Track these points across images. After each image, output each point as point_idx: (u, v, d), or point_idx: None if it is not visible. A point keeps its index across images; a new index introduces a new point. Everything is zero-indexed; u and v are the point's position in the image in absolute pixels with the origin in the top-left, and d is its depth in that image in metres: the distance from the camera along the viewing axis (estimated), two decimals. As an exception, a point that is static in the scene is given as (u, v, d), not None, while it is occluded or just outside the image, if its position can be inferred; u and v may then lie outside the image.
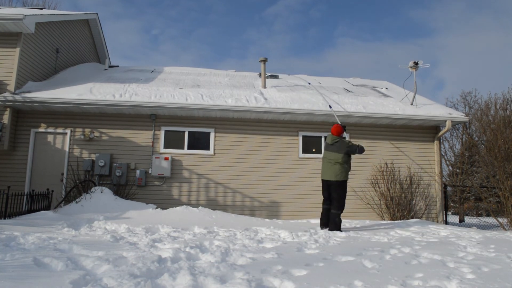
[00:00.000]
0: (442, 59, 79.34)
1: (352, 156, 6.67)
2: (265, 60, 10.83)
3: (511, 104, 17.96)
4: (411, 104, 9.99)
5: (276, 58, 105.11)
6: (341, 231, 6.16)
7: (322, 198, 6.66)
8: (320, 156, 9.65)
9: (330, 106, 9.09)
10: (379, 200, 9.25)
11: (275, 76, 12.68)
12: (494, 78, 48.58)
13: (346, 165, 6.36)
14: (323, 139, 9.75)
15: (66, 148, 9.16)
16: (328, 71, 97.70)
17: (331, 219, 6.26)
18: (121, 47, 71.31)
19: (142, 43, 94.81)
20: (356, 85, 12.29)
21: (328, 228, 6.28)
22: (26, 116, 9.17)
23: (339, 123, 7.63)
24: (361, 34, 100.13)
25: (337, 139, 6.46)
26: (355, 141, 9.75)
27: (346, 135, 9.81)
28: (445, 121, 9.41)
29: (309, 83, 9.07)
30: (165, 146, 9.40)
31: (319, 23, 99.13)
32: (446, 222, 10.25)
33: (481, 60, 63.23)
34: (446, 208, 10.63)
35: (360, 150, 6.46)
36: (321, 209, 9.85)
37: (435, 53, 79.93)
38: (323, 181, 6.55)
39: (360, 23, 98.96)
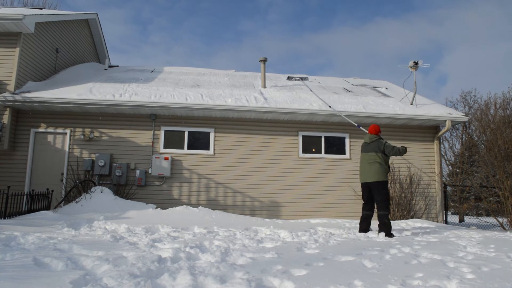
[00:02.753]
0: (445, 52, 77.72)
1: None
2: (265, 60, 10.86)
3: (511, 103, 17.96)
4: (411, 104, 10.00)
5: (271, 50, 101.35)
6: (392, 234, 5.70)
7: (362, 202, 6.26)
8: (320, 156, 9.66)
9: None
10: (379, 200, 9.24)
11: (305, 78, 11.97)
12: (499, 71, 48.12)
13: (385, 165, 6.03)
14: (323, 138, 9.75)
15: (66, 148, 9.16)
16: (326, 64, 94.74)
17: (380, 221, 5.80)
18: (109, 39, 68.83)
19: (131, 34, 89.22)
20: (356, 85, 12.29)
21: (378, 231, 5.78)
22: (26, 116, 9.17)
23: (354, 123, 7.49)
24: (361, 23, 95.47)
25: (375, 138, 6.19)
26: (356, 141, 9.77)
27: (346, 134, 9.83)
28: (445, 120, 9.41)
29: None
30: (165, 146, 9.40)
31: (317, 10, 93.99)
32: (446, 222, 10.26)
33: (485, 54, 61.87)
34: (446, 207, 10.64)
35: (399, 151, 5.99)
36: (322, 209, 9.78)
37: (438, 45, 78.54)
38: (363, 184, 6.19)
39: (360, 11, 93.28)
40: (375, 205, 6.07)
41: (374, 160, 6.02)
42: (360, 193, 9.24)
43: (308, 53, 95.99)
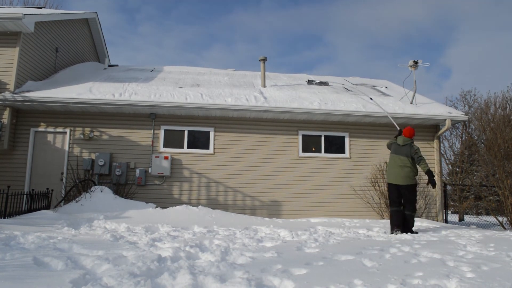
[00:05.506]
0: (448, 45, 75.53)
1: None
2: (264, 59, 10.85)
3: (510, 103, 17.95)
4: (411, 103, 10.00)
5: (267, 40, 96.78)
6: (414, 231, 6.16)
7: (390, 201, 6.42)
8: (320, 155, 9.66)
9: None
10: (379, 199, 9.25)
11: (324, 83, 11.59)
12: (502, 66, 47.32)
13: (415, 168, 6.30)
14: (322, 138, 9.75)
15: (66, 148, 9.16)
16: (325, 57, 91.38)
17: (407, 221, 6.16)
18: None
19: (118, 24, 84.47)
20: (356, 84, 12.28)
21: (400, 230, 6.05)
22: (25, 116, 9.16)
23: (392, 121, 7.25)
24: (361, 13, 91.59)
25: (408, 142, 6.37)
26: (355, 140, 9.77)
27: (346, 134, 9.82)
28: (445, 120, 9.41)
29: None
30: (165, 145, 9.40)
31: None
32: (446, 221, 10.26)
33: (490, 48, 60.33)
34: (445, 207, 10.64)
35: (426, 169, 6.16)
36: (322, 208, 9.77)
37: (440, 39, 77.17)
38: (391, 184, 6.35)
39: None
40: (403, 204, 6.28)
41: (405, 164, 6.23)
42: (360, 192, 9.37)
43: (306, 45, 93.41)
